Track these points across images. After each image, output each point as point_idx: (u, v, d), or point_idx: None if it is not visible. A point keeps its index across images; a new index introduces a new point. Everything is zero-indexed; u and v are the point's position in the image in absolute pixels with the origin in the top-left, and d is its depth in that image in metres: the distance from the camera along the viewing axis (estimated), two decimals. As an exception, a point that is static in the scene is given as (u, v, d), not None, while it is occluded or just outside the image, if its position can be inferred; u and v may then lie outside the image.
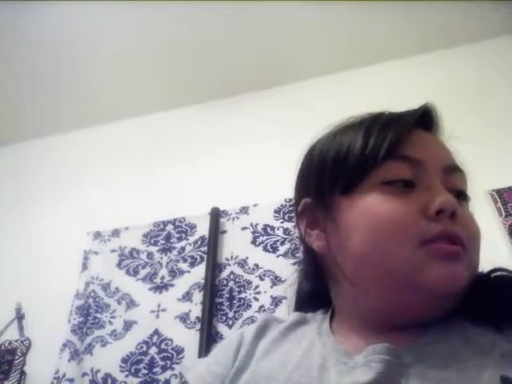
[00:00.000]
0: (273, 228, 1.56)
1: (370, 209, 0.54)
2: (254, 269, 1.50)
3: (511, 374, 0.44)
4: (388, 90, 1.81)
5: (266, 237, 1.55)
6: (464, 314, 0.53)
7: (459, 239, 0.52)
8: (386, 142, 0.56)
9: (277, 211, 1.59)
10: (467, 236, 0.53)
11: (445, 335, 0.51)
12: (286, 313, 1.36)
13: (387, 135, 0.57)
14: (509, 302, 0.51)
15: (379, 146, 0.56)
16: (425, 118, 0.62)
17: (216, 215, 1.64)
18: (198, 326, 1.42)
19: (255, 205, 1.63)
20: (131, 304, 1.56)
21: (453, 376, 0.46)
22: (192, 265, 1.59)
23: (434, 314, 0.53)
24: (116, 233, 1.73)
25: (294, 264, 1.46)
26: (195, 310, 1.48)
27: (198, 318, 1.45)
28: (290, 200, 1.57)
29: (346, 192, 0.57)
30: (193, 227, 1.67)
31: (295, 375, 0.53)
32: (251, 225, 1.59)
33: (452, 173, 0.58)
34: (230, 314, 1.44)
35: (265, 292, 1.45)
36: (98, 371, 1.44)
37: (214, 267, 1.53)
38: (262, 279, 1.47)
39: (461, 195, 0.58)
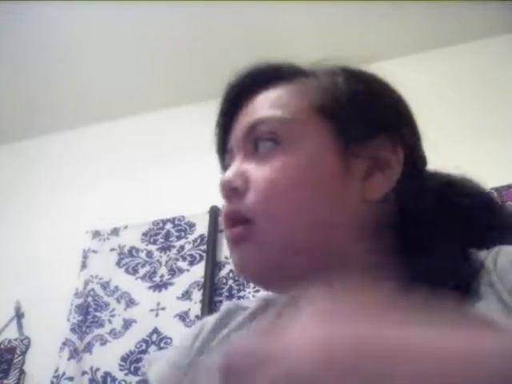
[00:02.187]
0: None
1: None
2: (253, 267, 1.50)
3: None
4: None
5: (265, 235, 1.55)
6: None
7: (231, 219, 0.48)
8: (216, 145, 0.56)
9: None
10: (254, 202, 0.47)
11: None
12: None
13: (216, 129, 0.56)
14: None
15: (216, 149, 0.56)
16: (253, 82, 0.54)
17: (215, 214, 1.63)
18: (198, 325, 1.43)
19: (254, 203, 1.63)
20: (130, 302, 1.56)
21: None
22: (191, 263, 1.59)
23: (284, 283, 0.47)
24: (115, 231, 1.73)
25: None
26: (195, 308, 1.48)
27: (197, 316, 1.45)
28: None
29: None
30: (192, 226, 1.67)
31: None
32: (250, 223, 1.59)
33: (253, 133, 0.50)
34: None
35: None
36: (97, 370, 1.44)
37: (214, 266, 1.53)
38: (261, 278, 1.47)
39: (264, 149, 0.49)
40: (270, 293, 0.55)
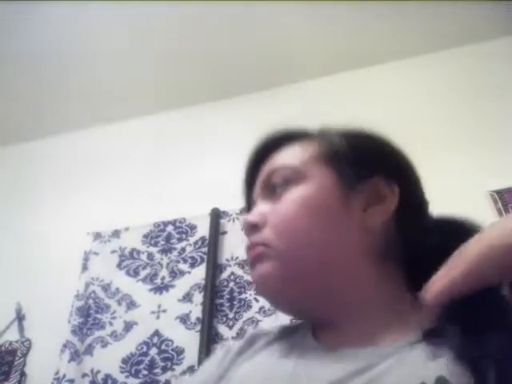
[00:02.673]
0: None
1: None
2: (254, 270, 1.50)
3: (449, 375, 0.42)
4: (386, 93, 1.81)
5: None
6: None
7: (255, 243, 0.58)
8: (243, 195, 0.68)
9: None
10: (271, 232, 0.57)
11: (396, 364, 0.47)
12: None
13: (243, 188, 0.68)
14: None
15: (243, 199, 0.68)
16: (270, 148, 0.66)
17: (216, 216, 1.64)
18: (199, 327, 1.42)
19: (255, 205, 1.63)
20: (131, 305, 1.56)
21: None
22: (192, 265, 1.59)
23: (309, 311, 0.57)
24: (116, 233, 1.73)
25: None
26: (196, 310, 1.48)
27: (198, 318, 1.45)
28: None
29: None
30: (193, 228, 1.67)
31: (268, 374, 0.53)
32: (251, 225, 1.59)
33: (269, 180, 0.61)
34: (231, 315, 1.44)
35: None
36: (98, 372, 1.44)
37: (215, 268, 1.53)
38: (262, 280, 1.47)
39: (277, 191, 0.60)
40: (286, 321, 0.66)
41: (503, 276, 0.38)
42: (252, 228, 0.59)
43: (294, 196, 0.57)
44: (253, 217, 0.59)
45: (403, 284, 0.56)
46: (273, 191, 0.60)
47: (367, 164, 0.60)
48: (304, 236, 0.55)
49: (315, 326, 0.59)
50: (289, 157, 0.62)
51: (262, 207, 0.60)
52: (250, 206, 0.66)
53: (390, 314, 0.53)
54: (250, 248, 0.58)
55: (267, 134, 0.68)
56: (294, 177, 0.59)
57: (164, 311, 1.52)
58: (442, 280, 0.39)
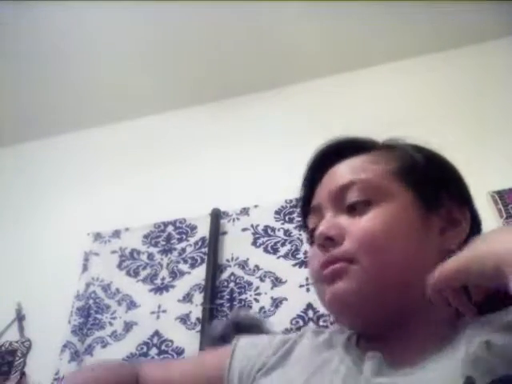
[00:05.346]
0: (273, 229, 1.56)
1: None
2: (254, 270, 1.50)
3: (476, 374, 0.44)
4: (388, 93, 1.81)
5: (266, 238, 1.55)
6: None
7: (335, 259, 0.56)
8: (301, 199, 0.68)
9: (277, 212, 1.59)
10: (355, 249, 0.55)
11: (439, 364, 0.49)
12: (285, 314, 1.36)
13: (301, 192, 0.68)
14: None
15: (299, 203, 0.69)
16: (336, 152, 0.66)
17: (216, 216, 1.63)
18: (199, 328, 1.42)
19: (256, 206, 1.63)
20: (131, 305, 1.56)
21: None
22: (192, 266, 1.59)
23: (377, 326, 0.57)
24: (116, 234, 1.73)
25: (294, 265, 1.46)
26: (196, 311, 1.48)
27: (198, 319, 1.45)
28: (291, 201, 1.57)
29: None
30: (193, 228, 1.67)
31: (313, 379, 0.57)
32: (252, 226, 1.59)
33: (342, 193, 0.60)
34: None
35: (265, 293, 1.44)
36: (98, 372, 1.44)
37: (215, 268, 1.53)
38: (262, 280, 1.47)
39: (355, 206, 0.59)
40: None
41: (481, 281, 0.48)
42: (326, 240, 0.57)
43: (379, 214, 0.57)
44: (329, 229, 0.57)
45: None
46: (345, 204, 0.59)
47: (443, 185, 0.61)
48: (390, 255, 0.55)
49: (361, 336, 0.60)
50: (362, 169, 0.61)
51: (337, 220, 0.58)
52: (306, 211, 0.66)
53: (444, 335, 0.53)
54: (330, 262, 0.56)
55: (330, 140, 0.67)
56: (374, 193, 0.58)
57: (164, 311, 1.52)
58: (441, 271, 0.49)
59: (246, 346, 0.68)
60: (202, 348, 1.35)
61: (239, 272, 1.52)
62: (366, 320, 0.57)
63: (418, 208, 0.58)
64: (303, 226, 0.68)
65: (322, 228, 0.58)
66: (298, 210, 0.69)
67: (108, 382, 0.66)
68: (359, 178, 0.59)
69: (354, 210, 0.58)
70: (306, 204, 0.67)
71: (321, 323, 1.32)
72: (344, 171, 0.62)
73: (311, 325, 1.33)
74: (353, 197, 0.59)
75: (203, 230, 1.64)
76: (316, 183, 0.65)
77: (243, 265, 1.52)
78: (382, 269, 0.54)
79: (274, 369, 0.62)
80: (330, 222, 0.58)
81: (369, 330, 0.59)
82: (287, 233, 1.54)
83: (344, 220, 0.58)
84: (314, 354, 0.61)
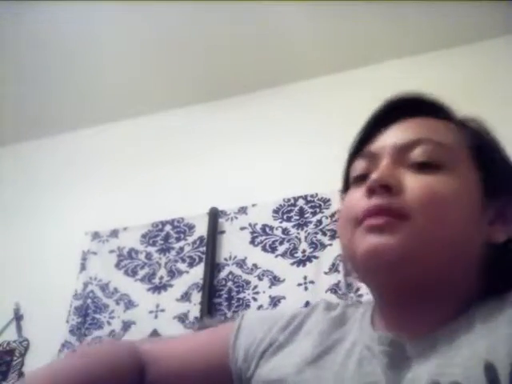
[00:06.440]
0: (271, 228, 1.56)
1: (342, 205, 0.60)
2: (252, 269, 1.50)
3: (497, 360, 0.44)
4: (388, 91, 1.81)
5: (264, 237, 1.55)
6: None
7: (384, 210, 0.52)
8: (355, 141, 0.62)
9: (275, 211, 1.59)
10: (413, 205, 0.52)
11: (461, 328, 0.50)
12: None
13: (360, 134, 0.63)
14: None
15: (352, 145, 0.63)
16: (409, 106, 0.63)
17: (214, 215, 1.63)
18: (197, 326, 1.42)
19: (254, 205, 1.63)
20: (130, 304, 1.56)
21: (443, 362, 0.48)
22: (191, 265, 1.59)
23: (405, 291, 0.54)
24: (114, 233, 1.73)
25: (292, 264, 1.46)
26: (194, 310, 1.48)
27: (196, 318, 1.45)
28: (289, 200, 1.58)
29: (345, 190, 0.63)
30: (191, 227, 1.67)
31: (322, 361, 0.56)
32: (250, 225, 1.59)
33: (411, 148, 0.57)
34: (229, 314, 1.44)
35: (263, 292, 1.45)
36: (96, 372, 1.44)
37: (213, 267, 1.53)
38: (260, 279, 1.47)
39: (424, 165, 0.56)
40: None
41: None
42: (381, 187, 0.53)
43: (448, 180, 0.54)
44: (387, 176, 0.54)
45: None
46: (410, 160, 0.56)
47: (508, 180, 0.59)
48: (446, 224, 0.53)
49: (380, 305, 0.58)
50: (437, 131, 0.58)
51: (395, 171, 0.55)
52: (356, 154, 0.62)
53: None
54: (382, 210, 0.52)
55: (408, 93, 0.64)
56: (446, 159, 0.55)
57: (162, 311, 1.52)
58: None
59: (252, 322, 0.65)
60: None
61: (237, 271, 1.52)
62: (400, 281, 0.53)
63: (480, 190, 0.56)
64: (345, 168, 0.64)
65: (381, 173, 0.54)
66: (349, 149, 0.63)
67: (103, 367, 0.59)
68: (436, 139, 0.57)
69: (418, 168, 0.55)
70: (359, 147, 0.62)
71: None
72: (419, 127, 0.59)
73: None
74: (422, 156, 0.56)
75: (201, 229, 1.64)
76: (376, 130, 0.61)
77: (241, 264, 1.52)
78: (434, 235, 0.52)
79: (283, 346, 0.60)
80: (391, 169, 0.55)
81: (393, 294, 0.55)
82: (285, 231, 1.54)
83: (405, 174, 0.55)
84: (326, 331, 0.60)
